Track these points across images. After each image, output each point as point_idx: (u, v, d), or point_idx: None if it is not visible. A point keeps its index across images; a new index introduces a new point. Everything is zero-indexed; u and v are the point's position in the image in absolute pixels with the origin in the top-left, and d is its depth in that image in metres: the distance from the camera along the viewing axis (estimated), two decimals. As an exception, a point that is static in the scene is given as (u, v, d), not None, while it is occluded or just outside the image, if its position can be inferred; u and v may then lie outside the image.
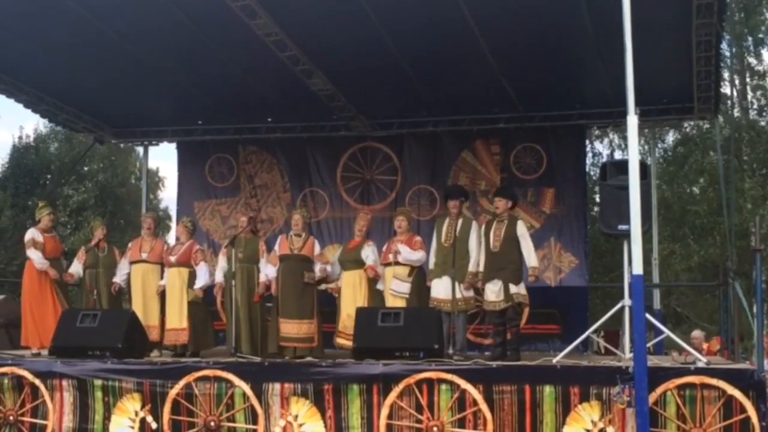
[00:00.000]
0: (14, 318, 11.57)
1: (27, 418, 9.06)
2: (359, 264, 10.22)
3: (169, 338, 10.34)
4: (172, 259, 10.46)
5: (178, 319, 10.30)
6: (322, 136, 14.05)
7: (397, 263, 9.99)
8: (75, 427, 8.95)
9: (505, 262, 9.28)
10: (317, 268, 10.16)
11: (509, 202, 9.67)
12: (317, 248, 10.33)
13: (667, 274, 21.00)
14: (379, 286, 10.14)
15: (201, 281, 10.44)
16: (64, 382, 9.00)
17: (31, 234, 10.77)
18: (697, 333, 13.97)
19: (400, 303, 9.77)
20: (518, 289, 9.25)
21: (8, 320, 12.32)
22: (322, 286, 10.51)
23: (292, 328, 9.92)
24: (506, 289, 9.21)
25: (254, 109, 13.37)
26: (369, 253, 10.25)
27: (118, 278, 10.86)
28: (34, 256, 10.61)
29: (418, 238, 10.26)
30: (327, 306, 10.54)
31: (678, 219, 23.57)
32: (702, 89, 11.53)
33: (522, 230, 9.44)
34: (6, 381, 9.13)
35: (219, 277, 10.45)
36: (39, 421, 9.04)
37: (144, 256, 10.75)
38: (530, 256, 9.38)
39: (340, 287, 10.31)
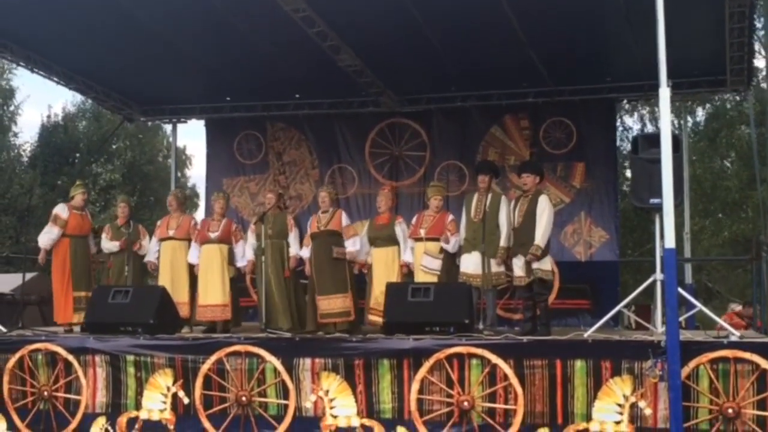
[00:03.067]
0: (46, 295, 11.68)
1: (61, 394, 9.14)
2: (391, 241, 10.19)
3: (205, 314, 10.30)
4: (212, 235, 10.46)
5: (220, 295, 10.30)
6: (350, 112, 14.02)
7: (428, 239, 9.96)
8: (108, 402, 9.04)
9: (525, 237, 9.19)
10: (346, 243, 10.13)
11: (537, 177, 9.59)
12: (345, 220, 10.26)
13: (697, 249, 20.86)
14: (407, 258, 10.10)
15: (244, 260, 10.51)
16: (97, 358, 9.08)
17: (57, 209, 10.81)
18: (734, 306, 13.89)
19: (431, 279, 9.73)
20: (540, 265, 9.11)
21: (41, 297, 12.46)
22: (361, 261, 10.45)
23: (328, 303, 9.92)
24: (527, 264, 9.14)
25: (282, 86, 13.35)
26: (400, 232, 10.21)
27: (151, 257, 10.91)
28: (44, 230, 10.69)
29: (451, 218, 10.13)
30: (357, 283, 10.50)
31: (709, 194, 23.42)
32: (734, 61, 11.37)
33: (542, 206, 9.22)
34: (40, 357, 9.22)
35: (249, 254, 10.47)
36: (73, 396, 9.12)
37: (171, 233, 10.78)
38: (537, 233, 9.10)
39: (371, 264, 10.29)
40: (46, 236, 10.63)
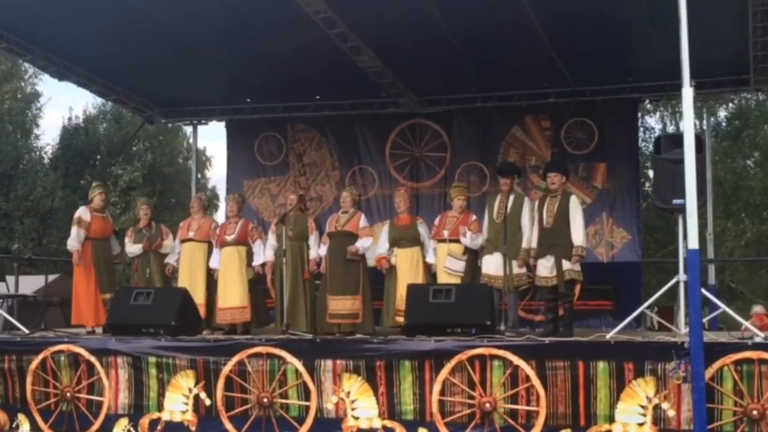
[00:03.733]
0: (69, 297, 11.71)
1: (83, 395, 9.17)
2: (415, 241, 10.18)
3: (225, 317, 10.32)
4: (229, 238, 10.48)
5: (239, 297, 10.32)
6: (371, 113, 14.03)
7: (452, 240, 9.95)
8: (130, 403, 9.04)
9: (557, 238, 9.15)
10: (358, 242, 10.13)
11: (563, 177, 9.55)
12: (362, 222, 10.26)
13: (720, 250, 20.76)
14: (430, 260, 10.09)
15: (259, 258, 10.48)
16: (119, 360, 9.09)
17: (79, 212, 10.83)
18: (758, 308, 13.78)
19: (455, 281, 9.70)
20: (571, 266, 9.12)
21: (63, 299, 12.49)
22: (370, 263, 10.44)
23: (337, 304, 9.96)
24: (559, 265, 9.10)
25: (302, 87, 13.36)
26: (424, 232, 10.23)
27: (171, 259, 10.93)
28: (72, 234, 10.70)
29: (474, 218, 10.11)
30: (375, 284, 10.49)
31: (730, 195, 23.27)
32: (758, 60, 11.31)
33: (575, 207, 9.25)
34: (63, 358, 9.23)
35: (270, 255, 10.46)
36: (95, 397, 9.14)
37: (191, 234, 10.81)
38: (577, 234, 9.13)
39: (393, 265, 10.26)
40: (75, 240, 10.65)
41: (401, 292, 9.81)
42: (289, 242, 10.18)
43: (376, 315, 10.30)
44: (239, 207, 10.93)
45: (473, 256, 9.96)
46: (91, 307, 10.54)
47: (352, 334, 9.66)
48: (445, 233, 9.97)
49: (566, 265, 9.06)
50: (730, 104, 24.53)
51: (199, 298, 10.50)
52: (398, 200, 10.53)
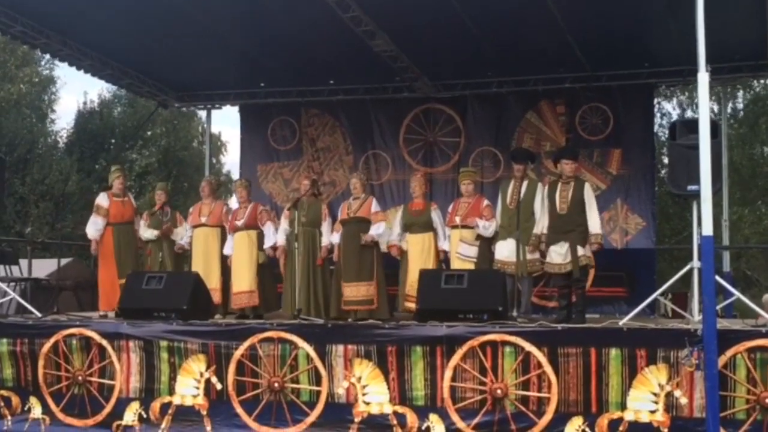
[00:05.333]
0: (82, 281, 11.75)
1: (95, 378, 9.18)
2: (427, 227, 10.17)
3: (237, 301, 10.40)
4: (239, 223, 10.51)
5: (247, 281, 10.38)
6: (385, 98, 14.00)
7: (464, 226, 9.92)
8: (142, 387, 9.05)
9: (573, 224, 9.13)
10: (371, 228, 10.11)
11: (575, 163, 9.50)
12: (374, 207, 10.26)
13: (736, 237, 20.62)
14: (444, 246, 10.06)
15: (270, 240, 10.48)
16: (131, 343, 9.09)
17: (98, 199, 10.88)
18: (768, 297, 13.67)
19: (468, 266, 9.68)
20: (585, 251, 9.11)
21: (76, 283, 12.54)
22: (383, 248, 10.41)
23: (351, 291, 9.97)
24: (573, 251, 9.07)
25: (316, 72, 13.34)
26: (437, 218, 10.20)
27: (183, 240, 10.95)
28: (90, 222, 10.77)
29: (486, 203, 10.10)
30: (390, 269, 10.48)
31: (747, 182, 23.13)
32: (776, 45, 11.20)
33: (589, 193, 9.25)
34: (75, 342, 9.25)
35: (281, 240, 10.45)
36: (107, 381, 9.15)
37: (203, 219, 10.85)
38: (594, 222, 9.15)
39: (405, 250, 10.24)
40: (92, 227, 10.71)
41: (411, 278, 9.79)
42: (301, 228, 10.15)
43: (391, 301, 10.27)
44: (248, 192, 10.93)
45: (486, 242, 9.93)
46: (115, 291, 10.53)
47: (365, 320, 9.65)
48: (457, 219, 9.97)
49: (580, 250, 9.04)
50: (749, 90, 24.33)
51: (213, 282, 10.55)
52: (414, 185, 10.51)
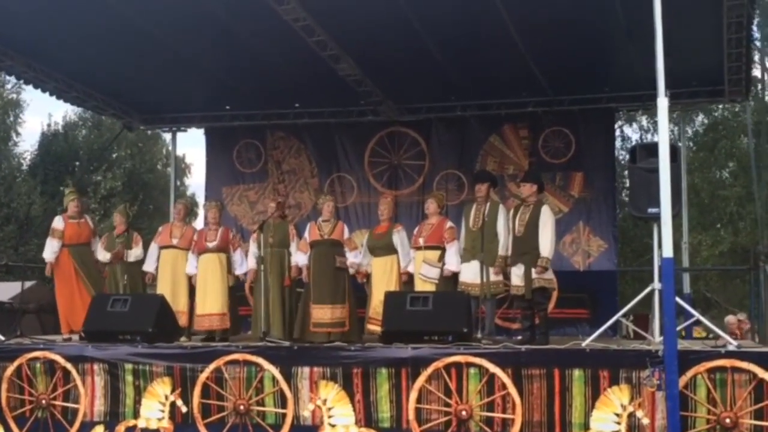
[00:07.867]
0: (45, 303, 11.67)
1: (59, 402, 9.13)
2: (390, 250, 10.20)
3: (203, 323, 10.32)
4: (210, 245, 10.48)
5: (219, 304, 10.33)
6: (350, 121, 14.03)
7: (427, 247, 9.98)
8: (106, 410, 9.02)
9: (527, 247, 9.22)
10: (348, 255, 10.15)
11: (534, 186, 9.59)
12: (346, 232, 10.32)
13: (696, 260, 20.89)
14: (410, 268, 10.12)
15: (243, 267, 10.53)
16: (96, 366, 9.07)
17: (54, 222, 10.87)
18: (731, 318, 13.90)
19: (430, 288, 9.74)
20: (544, 274, 9.18)
21: (39, 306, 12.46)
22: (351, 271, 10.45)
23: (324, 313, 9.90)
24: (528, 274, 9.14)
25: (282, 95, 13.37)
26: (399, 240, 10.22)
27: (150, 267, 10.88)
28: (46, 244, 10.76)
29: (449, 224, 10.14)
30: (359, 292, 10.50)
31: (707, 205, 23.44)
32: (733, 71, 11.41)
33: (545, 217, 9.27)
34: (38, 365, 9.20)
35: (251, 263, 10.45)
36: (71, 404, 9.11)
37: (175, 241, 10.80)
38: (543, 245, 9.15)
39: (369, 273, 10.29)
40: (48, 249, 10.70)
41: (375, 300, 9.87)
42: (270, 249, 10.18)
43: (361, 323, 10.30)
44: (221, 214, 10.96)
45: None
46: (75, 313, 10.45)
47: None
48: (421, 241, 10.02)
49: (534, 273, 9.11)
50: (708, 115, 24.71)
51: (181, 305, 10.51)
52: (382, 208, 10.54)
